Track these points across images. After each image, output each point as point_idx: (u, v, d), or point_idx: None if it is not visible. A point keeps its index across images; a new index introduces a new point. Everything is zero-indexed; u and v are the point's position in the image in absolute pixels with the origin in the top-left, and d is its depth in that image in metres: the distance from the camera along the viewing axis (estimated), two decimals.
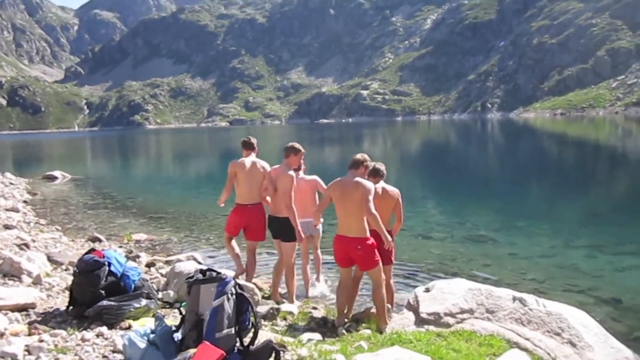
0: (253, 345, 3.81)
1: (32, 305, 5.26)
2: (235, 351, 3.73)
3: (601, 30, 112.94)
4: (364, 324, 5.68)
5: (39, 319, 4.96)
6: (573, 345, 4.80)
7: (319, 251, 7.40)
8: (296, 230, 6.32)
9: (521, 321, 5.03)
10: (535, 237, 10.62)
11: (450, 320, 5.11)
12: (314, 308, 6.26)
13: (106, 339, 4.44)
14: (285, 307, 6.21)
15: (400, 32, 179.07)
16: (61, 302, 5.51)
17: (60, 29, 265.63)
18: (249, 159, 6.84)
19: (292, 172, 6.38)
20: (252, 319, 3.91)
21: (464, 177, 21.78)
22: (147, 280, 5.77)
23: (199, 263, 7.96)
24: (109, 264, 5.21)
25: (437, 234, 10.85)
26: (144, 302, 5.14)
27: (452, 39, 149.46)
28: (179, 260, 7.88)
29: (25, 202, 15.93)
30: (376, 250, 5.55)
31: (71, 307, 5.08)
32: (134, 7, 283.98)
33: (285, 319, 5.92)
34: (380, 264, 5.61)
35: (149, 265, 8.07)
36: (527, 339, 4.80)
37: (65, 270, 7.13)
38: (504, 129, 66.71)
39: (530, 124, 76.08)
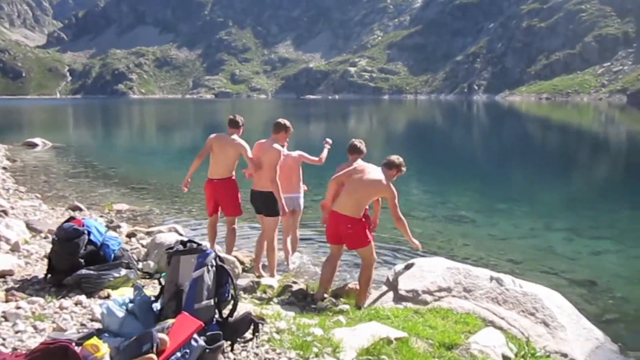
0: (232, 317, 3.82)
1: (10, 272, 5.21)
2: (214, 322, 3.74)
3: (590, 16, 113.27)
4: (342, 300, 5.73)
5: (17, 286, 4.92)
6: (546, 325, 4.91)
7: (297, 231, 7.41)
8: (279, 204, 6.32)
9: (497, 300, 5.12)
10: (514, 219, 10.76)
11: (428, 297, 5.18)
12: (294, 282, 6.30)
13: (84, 307, 4.42)
14: (266, 280, 6.25)
15: (390, 9, 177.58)
16: (39, 270, 5.46)
17: None
18: (228, 136, 6.84)
19: (279, 146, 6.38)
20: (231, 291, 3.91)
21: (448, 158, 21.92)
22: (127, 250, 5.74)
23: (180, 235, 7.95)
24: (89, 233, 5.16)
25: (419, 213, 10.93)
26: (123, 271, 5.12)
27: (442, 19, 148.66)
28: (160, 232, 7.86)
29: (4, 168, 15.66)
30: (367, 231, 5.60)
31: (49, 275, 5.04)
32: None
33: (265, 292, 5.96)
34: (373, 244, 5.65)
35: (130, 235, 8.03)
36: (502, 318, 4.90)
37: (45, 238, 7.07)
38: (489, 111, 67.02)
39: (515, 107, 76.52)
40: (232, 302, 3.88)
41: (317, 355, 3.69)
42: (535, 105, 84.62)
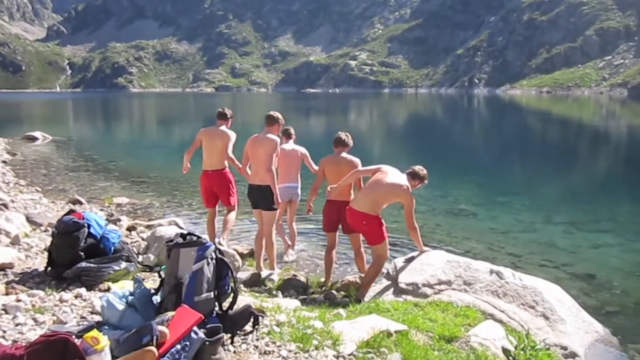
0: (232, 309, 3.82)
1: (10, 265, 5.21)
2: (214, 315, 3.74)
3: (591, 9, 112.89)
4: (343, 293, 5.74)
5: (17, 279, 4.92)
6: (546, 318, 4.92)
7: (294, 224, 7.46)
8: (275, 195, 6.29)
9: (497, 294, 5.12)
10: (514, 212, 10.76)
11: (428, 290, 5.18)
12: (294, 275, 6.31)
13: (84, 300, 4.42)
14: (266, 273, 6.26)
15: (391, 2, 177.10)
16: (40, 262, 5.46)
17: None
18: (216, 128, 7.12)
19: (274, 136, 6.38)
20: (231, 284, 3.91)
21: (448, 152, 21.89)
22: (127, 244, 5.73)
23: (180, 228, 7.95)
24: (89, 226, 5.15)
25: (419, 207, 10.80)
26: (123, 264, 5.12)
27: (443, 12, 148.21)
28: (160, 225, 7.86)
29: (4, 162, 15.65)
30: (383, 228, 5.69)
31: (49, 268, 5.04)
32: None
33: (265, 285, 5.97)
34: (387, 241, 5.75)
35: (130, 229, 8.03)
36: (502, 311, 4.90)
37: (45, 231, 7.06)
38: (490, 105, 66.91)
39: (516, 101, 76.39)
40: (232, 294, 3.88)
41: (317, 348, 3.70)
42: (536, 99, 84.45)
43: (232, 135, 6.99)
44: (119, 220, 8.59)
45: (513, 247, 8.28)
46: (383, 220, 5.71)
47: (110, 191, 12.01)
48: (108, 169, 15.81)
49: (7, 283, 4.75)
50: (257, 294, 5.44)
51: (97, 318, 3.94)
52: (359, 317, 4.35)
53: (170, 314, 3.47)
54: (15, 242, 6.11)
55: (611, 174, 16.88)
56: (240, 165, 6.71)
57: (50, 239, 5.43)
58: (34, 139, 22.94)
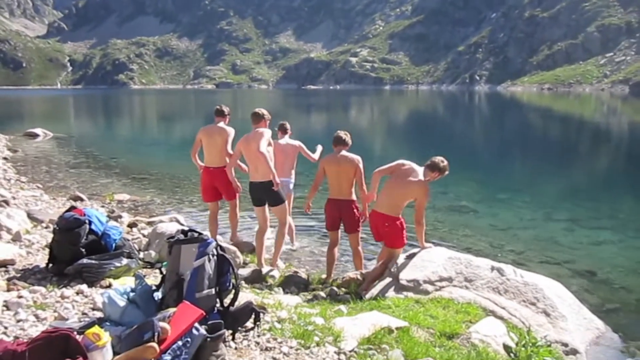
0: (233, 306, 3.83)
1: (11, 262, 5.21)
2: (215, 311, 3.75)
3: (593, 5, 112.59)
4: (344, 289, 5.74)
5: (18, 275, 4.93)
6: (547, 314, 4.92)
7: (291, 219, 7.46)
8: (274, 182, 6.21)
9: (498, 290, 5.12)
10: (516, 209, 10.75)
11: (429, 287, 5.19)
12: (295, 272, 6.31)
13: (86, 296, 4.43)
14: (267, 270, 6.26)
15: None
16: (41, 259, 5.47)
17: None
18: (214, 125, 7.21)
19: (263, 129, 6.37)
20: (232, 280, 3.92)
21: (449, 148, 21.83)
22: (129, 240, 5.74)
23: (181, 224, 7.94)
24: (90, 222, 5.16)
25: None
26: (124, 261, 5.13)
27: (444, 9, 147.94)
28: (161, 221, 7.86)
29: (5, 159, 15.66)
30: (404, 232, 5.75)
31: (51, 265, 5.05)
32: None
33: (266, 281, 5.97)
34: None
35: (131, 225, 8.03)
36: (503, 308, 4.90)
37: (46, 228, 7.07)
38: (491, 102, 66.81)
39: (517, 97, 76.26)
40: (233, 291, 3.89)
41: (318, 344, 3.70)
42: (537, 95, 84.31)
43: (231, 132, 7.05)
44: (120, 216, 8.59)
45: (514, 244, 8.28)
46: (404, 224, 5.76)
47: (111, 188, 12.01)
48: (109, 165, 15.81)
49: (9, 279, 4.76)
50: (258, 291, 5.44)
51: (99, 314, 3.95)
52: (360, 314, 4.35)
53: (171, 310, 3.48)
54: (16, 238, 6.12)
55: (612, 171, 16.86)
56: (244, 166, 6.78)
57: (51, 235, 5.44)
58: (35, 135, 22.93)
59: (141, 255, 5.93)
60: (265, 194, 6.37)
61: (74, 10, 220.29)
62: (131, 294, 3.81)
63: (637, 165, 17.91)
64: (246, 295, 4.49)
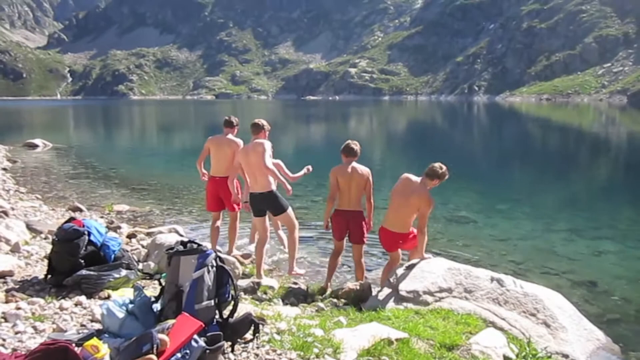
0: (232, 317, 3.81)
1: (10, 273, 5.20)
2: (214, 323, 3.74)
3: (590, 16, 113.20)
4: (343, 300, 5.73)
5: (17, 286, 4.91)
6: (547, 325, 4.90)
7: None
8: (283, 184, 6.27)
9: (498, 301, 5.11)
10: (515, 219, 10.75)
11: (429, 298, 5.17)
12: (295, 283, 6.30)
13: (84, 308, 4.41)
14: (266, 281, 6.25)
15: (390, 10, 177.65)
16: (40, 270, 5.45)
17: None
18: (223, 136, 7.30)
19: (262, 140, 6.41)
20: (232, 291, 3.91)
21: (448, 159, 21.73)
22: (128, 251, 5.73)
23: (181, 235, 7.94)
24: (89, 234, 5.15)
25: None
26: (123, 272, 5.11)
27: (443, 20, 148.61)
28: (160, 232, 7.86)
29: (4, 169, 15.67)
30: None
31: (50, 276, 5.04)
32: None
33: (265, 292, 5.95)
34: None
35: (130, 236, 8.02)
36: (503, 319, 4.88)
37: (45, 238, 7.06)
38: (490, 112, 67.00)
39: (515, 108, 76.48)
40: (232, 302, 3.88)
41: (317, 356, 3.68)
42: (536, 106, 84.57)
43: (240, 144, 7.09)
44: (119, 227, 8.58)
45: (514, 254, 8.26)
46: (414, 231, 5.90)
47: (110, 198, 12.00)
48: (108, 176, 15.81)
49: (7, 291, 4.74)
50: (257, 302, 5.43)
51: (97, 326, 3.93)
52: (360, 325, 4.33)
53: (170, 322, 3.47)
54: (15, 249, 6.11)
55: (611, 181, 16.87)
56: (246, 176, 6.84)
57: (50, 246, 5.43)
58: (35, 146, 22.96)
59: (140, 266, 5.92)
60: (266, 205, 6.42)
61: (74, 22, 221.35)
62: (130, 306, 3.80)
63: (637, 175, 17.93)
64: (245, 307, 4.47)
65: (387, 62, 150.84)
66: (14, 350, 3.47)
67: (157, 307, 3.86)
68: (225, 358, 3.51)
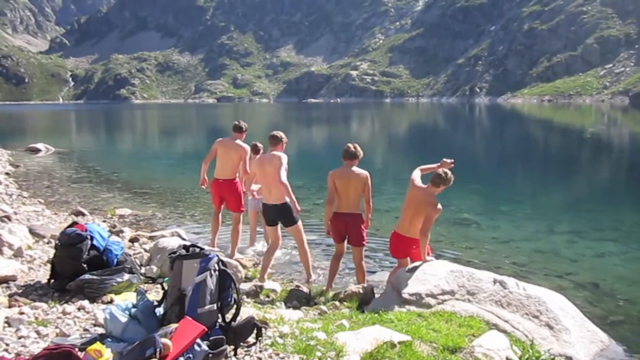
0: (235, 321, 3.81)
1: (13, 278, 5.21)
2: (217, 327, 3.74)
3: (591, 18, 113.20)
4: (345, 303, 5.72)
5: (20, 291, 4.92)
6: (550, 327, 4.89)
7: (254, 232, 7.88)
8: (293, 203, 6.31)
9: (501, 303, 5.10)
10: (517, 221, 10.73)
11: (432, 301, 5.16)
12: (297, 286, 6.29)
13: (87, 312, 4.42)
14: (269, 284, 6.25)
15: (391, 12, 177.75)
16: (42, 275, 5.46)
17: None
18: (232, 140, 7.48)
19: (279, 153, 6.48)
20: (234, 295, 3.91)
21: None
22: (130, 255, 5.74)
23: (183, 239, 7.94)
24: (92, 238, 5.16)
25: None
26: (126, 276, 5.12)
27: (444, 22, 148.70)
28: (162, 236, 7.85)
29: (7, 174, 15.69)
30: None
31: (52, 280, 5.05)
32: None
33: (268, 296, 5.95)
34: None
35: (133, 240, 8.02)
36: (506, 321, 4.88)
37: (48, 243, 7.07)
38: (492, 114, 66.98)
39: (517, 109, 76.45)
40: (235, 306, 3.88)
41: (320, 359, 3.68)
42: (538, 107, 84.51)
43: (248, 150, 7.34)
44: (122, 231, 8.59)
45: (516, 256, 8.25)
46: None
47: (112, 202, 12.02)
48: (111, 180, 15.83)
49: (10, 295, 4.75)
50: (260, 306, 5.43)
51: (100, 330, 3.94)
52: (363, 328, 4.33)
53: (173, 326, 3.47)
54: (18, 254, 6.12)
55: (614, 182, 16.84)
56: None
57: (53, 251, 5.44)
58: (37, 150, 23.00)
59: (143, 270, 5.93)
60: (278, 216, 6.52)
61: (76, 26, 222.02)
62: (133, 310, 3.80)
63: (639, 176, 17.89)
64: (248, 310, 4.47)
65: (389, 64, 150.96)
66: (18, 355, 3.48)
67: (159, 311, 3.86)
68: None
